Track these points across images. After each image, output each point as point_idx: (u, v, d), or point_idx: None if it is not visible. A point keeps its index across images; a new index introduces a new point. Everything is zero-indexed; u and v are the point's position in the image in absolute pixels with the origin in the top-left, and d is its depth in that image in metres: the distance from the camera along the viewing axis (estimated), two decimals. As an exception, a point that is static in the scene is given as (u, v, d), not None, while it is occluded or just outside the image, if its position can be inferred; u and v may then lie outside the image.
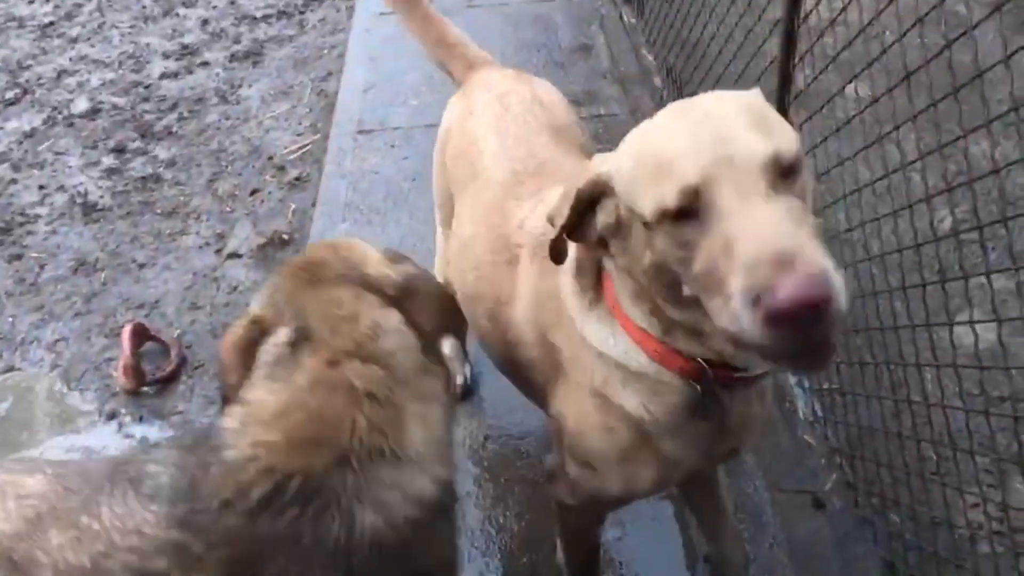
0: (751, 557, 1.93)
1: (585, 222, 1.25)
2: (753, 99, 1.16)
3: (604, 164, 1.21)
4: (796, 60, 2.19)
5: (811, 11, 2.12)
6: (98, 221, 3.47)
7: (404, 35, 4.19)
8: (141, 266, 3.22)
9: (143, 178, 3.70)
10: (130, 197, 3.59)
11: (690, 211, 1.04)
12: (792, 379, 2.36)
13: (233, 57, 4.53)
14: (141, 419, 2.64)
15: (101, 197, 3.60)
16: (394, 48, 4.06)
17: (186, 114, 4.10)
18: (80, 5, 5.20)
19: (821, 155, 2.18)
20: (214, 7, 5.06)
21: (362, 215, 3.24)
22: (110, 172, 3.75)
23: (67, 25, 4.99)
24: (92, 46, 4.75)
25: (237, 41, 4.68)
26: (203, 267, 3.18)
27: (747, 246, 0.97)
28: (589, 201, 1.23)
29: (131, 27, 4.92)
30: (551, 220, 1.29)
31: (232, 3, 5.08)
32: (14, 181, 3.73)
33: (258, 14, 4.91)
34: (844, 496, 2.04)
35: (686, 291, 1.11)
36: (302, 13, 4.89)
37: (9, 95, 4.35)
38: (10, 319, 3.03)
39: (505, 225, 1.64)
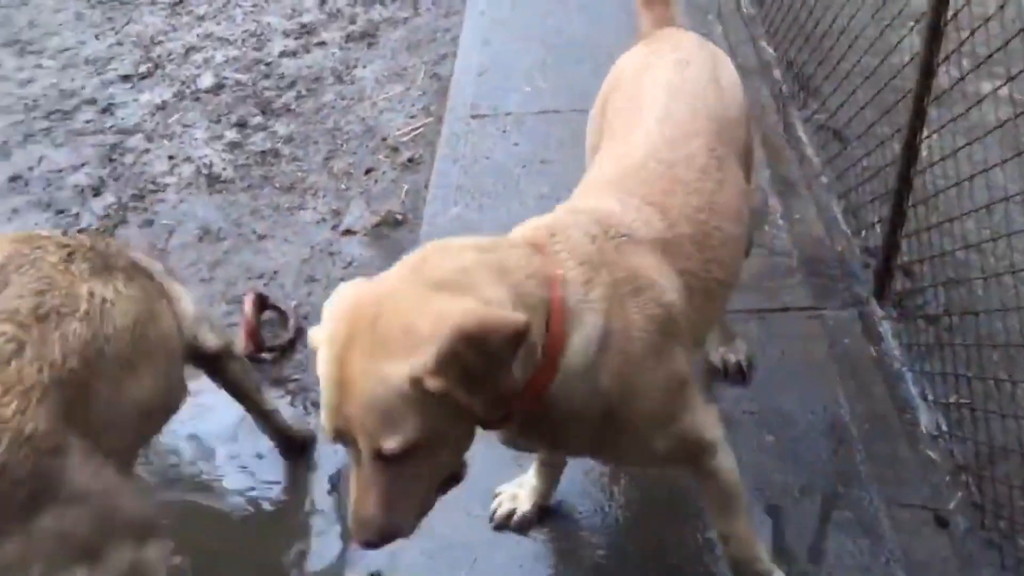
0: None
1: None
2: (383, 385, 1.17)
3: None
4: (941, 57, 2.10)
5: (962, 6, 2.03)
6: (221, 192, 3.64)
7: (519, 19, 4.27)
8: (261, 237, 3.36)
9: (263, 152, 3.85)
10: (251, 171, 3.75)
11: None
12: (914, 390, 2.29)
13: (349, 37, 4.65)
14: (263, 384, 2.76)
15: (224, 169, 3.77)
16: (508, 31, 4.09)
17: (304, 92, 4.24)
18: (207, -16, 5.42)
19: (963, 159, 2.10)
20: (332, -13, 5.19)
21: (473, 199, 3.28)
22: (233, 146, 3.92)
23: (195, 3, 5.21)
24: (218, 24, 4.95)
25: (353, 22, 4.79)
26: (320, 241, 3.29)
27: (352, 497, 1.29)
28: None
29: (253, 6, 5.10)
30: None
31: (349, -16, 5.20)
32: (147, 151, 3.94)
33: (374, -5, 5.01)
34: (970, 516, 1.98)
35: None
36: (417, -6, 4.96)
37: (142, 69, 4.58)
38: (142, 282, 3.21)
39: (608, 216, 1.51)
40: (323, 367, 1.23)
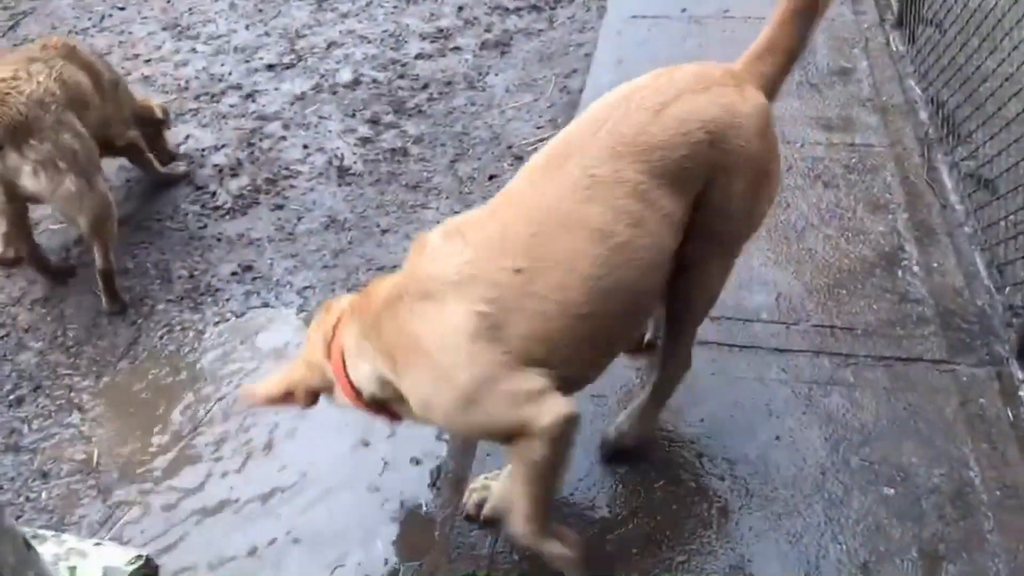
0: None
1: None
2: None
3: None
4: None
5: None
6: (350, 184, 3.76)
7: (655, 41, 4.24)
8: (384, 231, 3.45)
9: (392, 150, 3.96)
10: (379, 166, 3.86)
11: None
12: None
13: (483, 45, 4.73)
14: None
15: (354, 163, 3.89)
16: (644, 53, 4.07)
17: (436, 95, 4.34)
18: (352, -17, 5.64)
19: None
20: (470, -5, 5.31)
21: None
22: (364, 141, 4.05)
23: (339, 1, 5.43)
24: (359, 22, 5.13)
25: (488, 30, 4.88)
26: (439, 241, 3.35)
27: None
28: None
29: (394, 7, 5.27)
30: None
31: (487, -7, 5.31)
32: (283, 138, 4.11)
33: (510, 5, 5.10)
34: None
35: None
36: (552, 9, 5.01)
37: (286, 60, 4.80)
38: (269, 261, 3.36)
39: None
40: None
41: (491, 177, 3.69)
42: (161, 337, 3.02)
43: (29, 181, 2.75)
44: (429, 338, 1.68)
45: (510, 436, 1.72)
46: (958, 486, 2.16)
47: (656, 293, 1.87)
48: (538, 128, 3.97)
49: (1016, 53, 2.71)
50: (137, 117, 3.60)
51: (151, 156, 3.71)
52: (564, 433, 1.70)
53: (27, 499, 2.48)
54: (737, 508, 2.15)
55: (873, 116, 3.54)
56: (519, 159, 3.77)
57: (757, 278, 2.85)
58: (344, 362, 1.84)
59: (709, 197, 1.83)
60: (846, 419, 2.36)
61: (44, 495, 2.50)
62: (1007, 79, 2.74)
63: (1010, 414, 2.32)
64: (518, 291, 1.66)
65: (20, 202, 2.97)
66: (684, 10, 4.49)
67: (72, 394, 2.82)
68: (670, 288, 1.92)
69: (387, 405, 1.86)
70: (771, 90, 1.97)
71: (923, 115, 3.47)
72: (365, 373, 1.80)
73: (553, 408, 1.68)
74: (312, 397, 1.95)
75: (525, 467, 1.75)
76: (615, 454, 2.27)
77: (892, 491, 2.15)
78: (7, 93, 2.75)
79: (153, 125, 3.75)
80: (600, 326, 1.74)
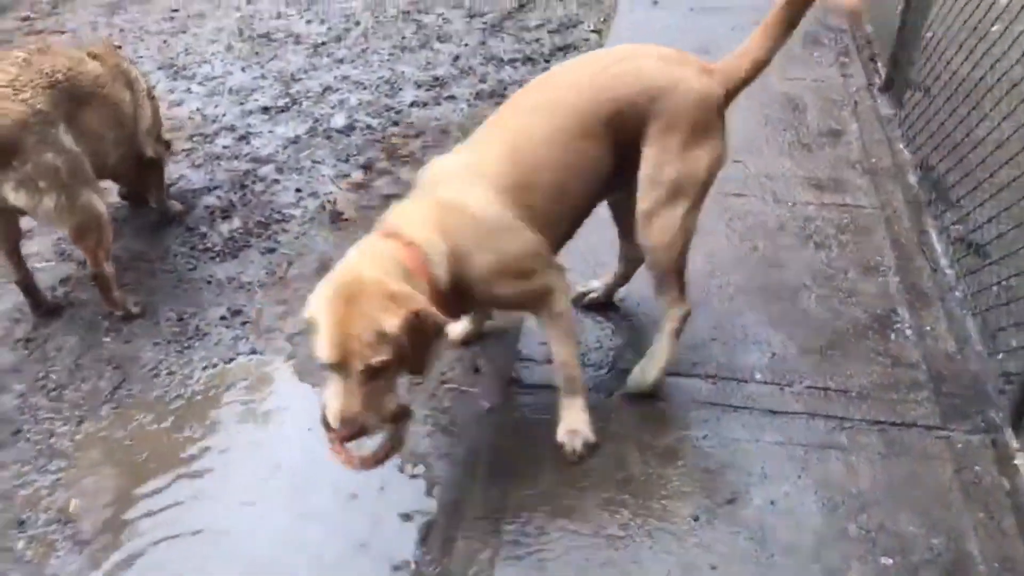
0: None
1: None
2: (373, 328, 1.96)
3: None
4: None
5: None
6: (342, 230, 3.74)
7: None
8: (376, 278, 3.43)
9: (385, 196, 3.95)
10: (372, 213, 3.84)
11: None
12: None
13: (478, 95, 4.78)
14: (360, 424, 2.78)
15: (347, 208, 3.89)
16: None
17: (430, 143, 4.36)
18: (349, 30, 5.71)
19: None
20: (465, 45, 5.38)
21: (588, 267, 3.27)
22: (357, 186, 4.05)
23: (336, 47, 5.49)
24: (355, 68, 5.18)
25: (483, 80, 4.94)
26: (432, 290, 3.33)
27: (331, 399, 2.04)
28: None
29: (390, 55, 5.33)
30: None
31: (482, 43, 5.39)
32: (276, 181, 4.11)
33: (506, 57, 5.17)
34: None
35: None
36: (547, 61, 5.09)
37: (281, 103, 4.82)
38: (259, 306, 3.32)
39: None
40: (327, 320, 1.97)
41: (485, 227, 3.68)
42: (146, 382, 2.96)
43: (11, 196, 2.87)
44: (487, 222, 2.18)
45: (539, 297, 2.32)
46: (956, 557, 2.14)
47: (594, 193, 2.42)
48: (532, 179, 3.98)
49: (1006, 122, 2.77)
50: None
51: (161, 183, 3.79)
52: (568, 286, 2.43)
53: (2, 548, 2.39)
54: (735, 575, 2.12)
55: (863, 178, 3.60)
56: (513, 209, 3.77)
57: (751, 337, 2.85)
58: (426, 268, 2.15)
59: (649, 147, 2.32)
60: (842, 484, 2.34)
61: (20, 544, 2.40)
62: (998, 146, 2.80)
63: (1006, 483, 2.32)
64: (525, 184, 2.23)
65: (12, 218, 3.04)
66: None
67: (52, 439, 2.74)
68: (637, 247, 2.52)
69: (459, 293, 2.21)
70: (732, 89, 2.42)
71: (912, 178, 3.53)
72: (443, 269, 2.14)
73: (559, 268, 2.38)
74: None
75: (562, 323, 2.38)
76: (638, 396, 2.65)
77: (890, 561, 2.13)
78: None
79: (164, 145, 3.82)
80: (565, 207, 2.35)
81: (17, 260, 3.16)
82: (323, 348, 1.98)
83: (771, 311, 2.96)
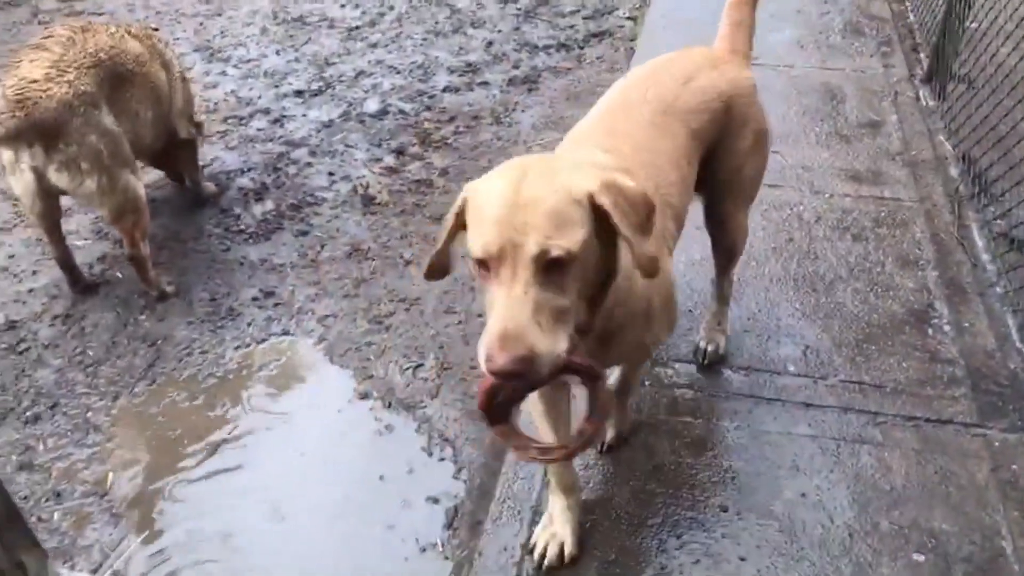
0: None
1: None
2: (565, 192, 1.44)
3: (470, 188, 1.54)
4: None
5: None
6: (375, 214, 3.76)
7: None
8: (407, 263, 3.44)
9: (417, 181, 3.96)
10: (404, 197, 3.86)
11: (487, 265, 1.43)
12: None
13: (511, 81, 4.76)
14: (390, 405, 2.80)
15: (379, 192, 3.90)
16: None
17: (462, 128, 4.35)
18: (383, 14, 5.70)
19: None
20: (499, 31, 5.36)
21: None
22: (390, 171, 4.06)
23: (370, 31, 5.49)
24: (389, 52, 5.18)
25: (516, 66, 4.91)
26: (462, 275, 3.33)
27: (492, 318, 1.41)
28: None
29: (423, 40, 5.32)
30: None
31: (516, 29, 5.36)
32: (309, 164, 4.13)
33: (539, 43, 5.14)
34: None
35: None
36: (581, 48, 5.05)
37: (314, 87, 4.83)
38: (291, 287, 3.34)
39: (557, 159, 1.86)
40: (494, 194, 1.44)
41: (516, 213, 3.67)
42: (180, 360, 3.00)
43: (54, 177, 2.92)
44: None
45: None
46: (991, 555, 2.10)
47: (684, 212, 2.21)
48: (564, 166, 3.96)
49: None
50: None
51: (195, 163, 3.83)
52: None
53: (39, 519, 2.44)
54: (764, 567, 2.10)
55: (902, 170, 3.53)
56: (545, 196, 3.76)
57: (784, 329, 2.82)
58: None
59: (723, 154, 2.26)
60: (875, 480, 2.31)
61: (56, 516, 2.46)
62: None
63: (1044, 483, 2.27)
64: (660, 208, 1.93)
65: (53, 197, 3.07)
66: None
67: (89, 414, 2.79)
68: (713, 241, 2.51)
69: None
70: (747, 61, 2.42)
71: (953, 171, 3.46)
72: None
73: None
74: None
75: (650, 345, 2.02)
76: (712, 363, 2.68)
77: (923, 558, 2.10)
78: (39, 97, 2.80)
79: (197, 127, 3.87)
80: (679, 228, 2.14)
81: (57, 238, 3.21)
82: (482, 231, 1.41)
83: (806, 303, 2.92)
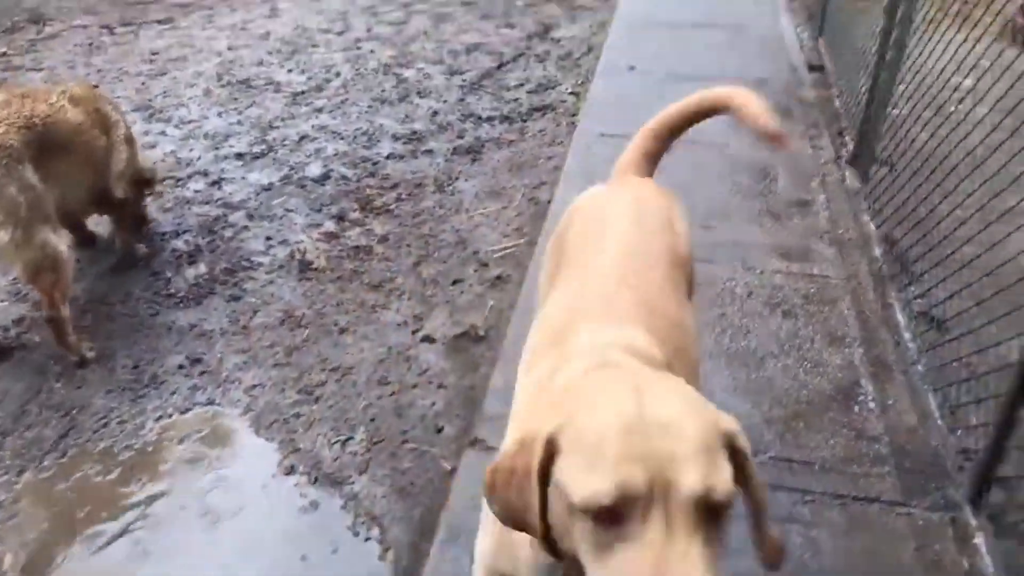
0: None
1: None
2: (712, 424, 1.14)
3: (551, 423, 1.18)
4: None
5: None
6: (311, 280, 3.70)
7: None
8: (342, 331, 3.38)
9: (356, 248, 3.93)
10: (342, 263, 3.82)
11: (615, 513, 1.06)
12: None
13: (455, 150, 4.81)
14: (316, 481, 2.71)
15: (317, 258, 3.85)
16: (612, 170, 4.15)
17: (404, 196, 4.36)
18: (329, 80, 5.75)
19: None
20: (444, 101, 5.44)
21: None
22: (329, 236, 4.02)
23: (315, 96, 5.52)
24: (333, 118, 5.20)
25: (461, 136, 4.98)
26: (398, 344, 3.29)
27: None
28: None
29: (369, 107, 5.36)
30: (522, 516, 1.21)
31: (461, 100, 5.45)
32: (246, 228, 4.07)
33: (483, 114, 5.23)
34: None
35: None
36: (524, 121, 5.15)
37: (256, 149, 4.81)
38: (219, 355, 3.24)
39: (569, 329, 1.63)
40: (612, 420, 1.12)
41: (454, 282, 3.67)
42: (95, 431, 2.86)
43: None
44: None
45: None
46: (917, 639, 2.10)
47: None
48: (505, 236, 3.99)
49: (968, 200, 2.83)
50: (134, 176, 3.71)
51: (131, 225, 3.80)
52: None
53: (-76, 607, 2.26)
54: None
55: (830, 248, 3.65)
56: (484, 265, 3.77)
57: (717, 403, 2.80)
58: None
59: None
60: (804, 559, 2.30)
61: (-56, 603, 2.28)
62: (960, 224, 2.85)
63: (965, 563, 2.30)
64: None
65: None
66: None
67: (-10, 489, 2.63)
68: None
69: None
70: None
71: (877, 251, 3.58)
72: None
73: None
74: None
75: None
76: None
77: (850, 641, 2.08)
78: None
79: (140, 185, 3.84)
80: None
81: None
82: (607, 468, 1.08)
83: (738, 379, 2.95)
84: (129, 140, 3.64)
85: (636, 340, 1.55)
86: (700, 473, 1.06)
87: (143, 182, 3.81)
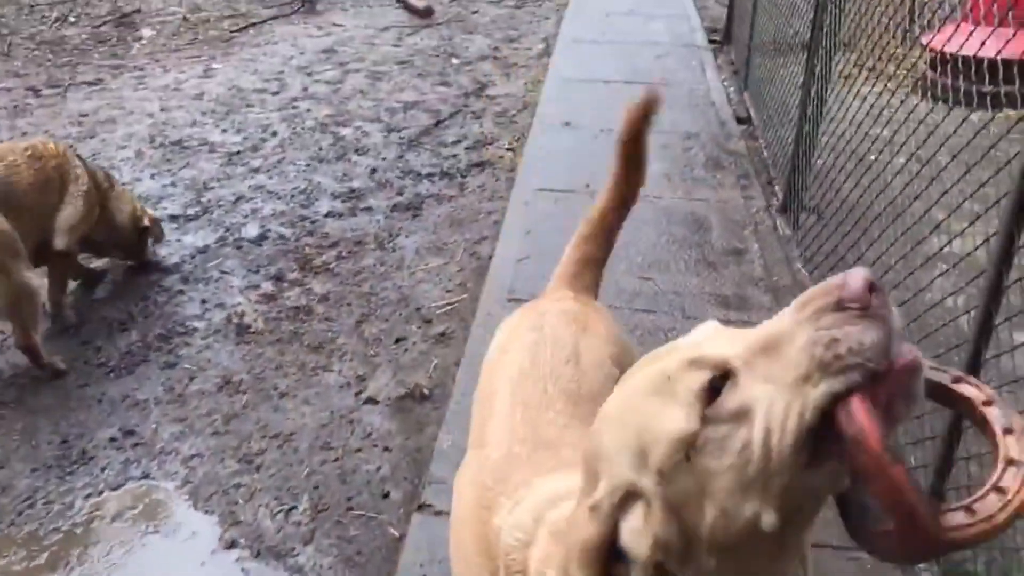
0: None
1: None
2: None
3: (610, 480, 1.00)
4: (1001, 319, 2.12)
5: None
6: (249, 343, 3.61)
7: (561, 213, 4.42)
8: (282, 395, 3.29)
9: (296, 308, 3.86)
10: (281, 325, 3.74)
11: (719, 379, 0.92)
12: None
13: (395, 208, 4.81)
14: (259, 554, 2.60)
15: (255, 320, 3.77)
16: (552, 224, 4.21)
17: (344, 254, 4.32)
18: (265, 140, 5.71)
19: None
20: (383, 158, 5.45)
21: (503, 383, 3.24)
22: (267, 298, 3.95)
23: (251, 156, 5.46)
24: (270, 178, 5.15)
25: (400, 193, 4.98)
26: (340, 407, 3.22)
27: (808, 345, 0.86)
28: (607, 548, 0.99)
29: (307, 166, 5.33)
30: None
31: (400, 157, 5.47)
32: (181, 292, 3.96)
33: (423, 171, 5.25)
34: None
35: (766, 522, 0.89)
36: (463, 177, 5.19)
37: (191, 211, 4.72)
38: (154, 425, 3.12)
39: (489, 523, 1.43)
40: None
41: (398, 340, 3.62)
42: (19, 513, 2.70)
43: None
44: None
45: None
46: None
47: None
48: (447, 291, 3.98)
49: (893, 248, 2.94)
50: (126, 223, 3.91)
51: (62, 287, 3.78)
52: None
53: None
54: None
55: (766, 295, 3.74)
56: (428, 322, 3.74)
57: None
58: None
59: None
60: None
61: None
62: (887, 270, 2.95)
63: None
64: None
65: None
66: (587, 185, 4.73)
67: (-98, 583, 2.44)
68: None
69: None
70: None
71: (811, 296, 3.68)
72: None
73: None
74: None
75: None
76: None
77: None
78: None
79: (139, 232, 3.99)
80: None
81: None
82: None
83: (683, 428, 2.96)
84: (90, 194, 3.67)
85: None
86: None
87: (144, 230, 4.00)
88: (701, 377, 0.93)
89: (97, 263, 4.13)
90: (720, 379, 0.92)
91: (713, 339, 0.99)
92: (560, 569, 1.07)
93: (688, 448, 0.92)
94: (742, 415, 0.90)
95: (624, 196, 1.99)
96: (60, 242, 3.56)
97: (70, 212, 3.58)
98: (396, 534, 2.64)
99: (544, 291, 1.99)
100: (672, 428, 0.93)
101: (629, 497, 0.98)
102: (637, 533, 0.97)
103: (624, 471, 0.98)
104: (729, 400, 0.91)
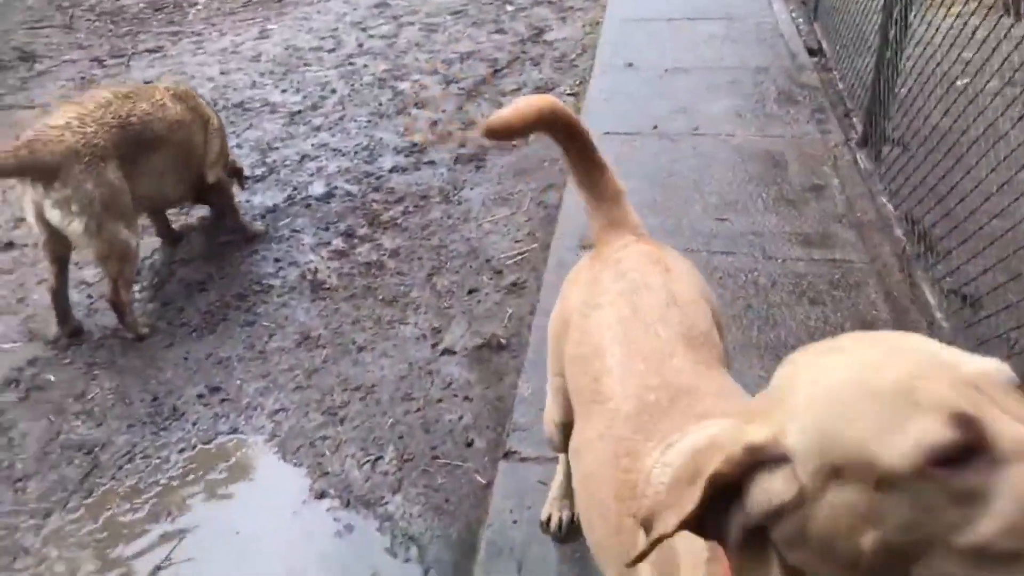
0: None
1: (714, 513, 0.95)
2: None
3: (759, 430, 0.92)
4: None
5: None
6: (324, 299, 3.64)
7: (628, 156, 4.31)
8: (360, 349, 3.32)
9: (367, 264, 3.87)
10: (355, 280, 3.76)
11: (964, 448, 0.80)
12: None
13: (457, 159, 4.76)
14: (349, 504, 2.64)
15: (328, 277, 3.79)
16: (621, 169, 4.06)
17: (411, 208, 4.30)
18: (325, 97, 5.70)
19: None
20: (443, 111, 5.39)
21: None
22: (338, 254, 3.96)
23: (312, 114, 5.46)
24: (332, 135, 5.15)
25: (462, 145, 4.92)
26: (419, 359, 3.23)
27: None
28: (725, 486, 0.92)
29: (368, 121, 5.31)
30: (652, 518, 0.97)
31: (459, 109, 5.40)
32: (255, 252, 4.01)
33: (483, 120, 5.16)
34: None
35: None
36: (525, 124, 5.08)
37: (258, 172, 4.75)
38: (238, 382, 3.18)
39: (634, 470, 1.38)
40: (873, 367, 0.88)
41: (470, 291, 3.60)
42: (119, 468, 2.79)
43: (48, 212, 3.16)
44: None
45: None
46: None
47: None
48: (516, 242, 3.93)
49: (994, 175, 2.77)
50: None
51: (231, 205, 4.10)
52: None
53: (-42, 662, 2.19)
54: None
55: (850, 232, 3.59)
56: (498, 273, 3.71)
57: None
58: None
59: None
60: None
61: (-22, 657, 2.21)
62: (986, 198, 2.79)
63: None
64: None
65: (58, 232, 3.23)
66: (655, 127, 4.60)
67: (17, 535, 2.56)
68: None
69: None
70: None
71: (898, 231, 3.52)
72: None
73: None
74: None
75: None
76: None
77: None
78: (51, 140, 3.11)
79: (235, 174, 4.22)
80: None
81: (58, 271, 3.39)
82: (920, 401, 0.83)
83: (770, 370, 2.85)
84: (221, 132, 3.95)
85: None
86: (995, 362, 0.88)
87: (236, 171, 4.18)
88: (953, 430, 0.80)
89: (175, 223, 4.20)
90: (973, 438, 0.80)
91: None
92: (666, 497, 0.98)
93: (927, 466, 0.80)
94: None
95: (559, 139, 1.92)
96: (212, 175, 3.88)
97: (215, 147, 3.88)
98: (483, 481, 2.65)
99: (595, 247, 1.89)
100: (926, 439, 0.80)
101: (772, 457, 0.89)
102: (763, 488, 0.90)
103: (839, 450, 0.86)
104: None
